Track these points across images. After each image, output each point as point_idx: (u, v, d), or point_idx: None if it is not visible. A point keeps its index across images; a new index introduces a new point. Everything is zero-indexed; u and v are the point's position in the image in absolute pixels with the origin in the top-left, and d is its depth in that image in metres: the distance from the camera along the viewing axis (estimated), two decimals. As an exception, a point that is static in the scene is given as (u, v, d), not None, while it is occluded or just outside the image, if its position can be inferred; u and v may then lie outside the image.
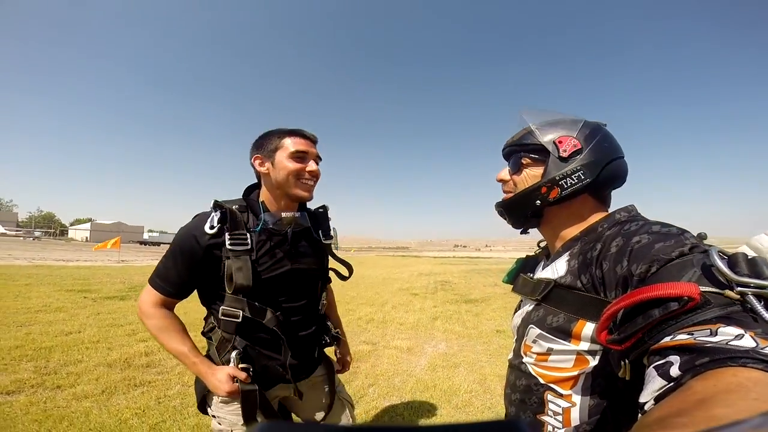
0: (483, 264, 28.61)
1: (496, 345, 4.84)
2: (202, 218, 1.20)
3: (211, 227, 1.16)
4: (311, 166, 1.25)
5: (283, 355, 1.26)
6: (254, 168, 1.30)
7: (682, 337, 0.48)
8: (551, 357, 0.78)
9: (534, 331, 0.81)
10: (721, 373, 0.41)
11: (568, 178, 0.81)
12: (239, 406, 1.21)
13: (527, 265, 1.01)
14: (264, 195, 1.30)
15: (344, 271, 1.54)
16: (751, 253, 0.55)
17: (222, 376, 1.16)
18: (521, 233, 1.00)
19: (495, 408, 3.01)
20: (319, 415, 1.41)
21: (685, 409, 0.37)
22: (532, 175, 0.87)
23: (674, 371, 0.46)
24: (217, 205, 1.20)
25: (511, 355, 0.94)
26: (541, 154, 0.86)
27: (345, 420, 1.47)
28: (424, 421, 2.76)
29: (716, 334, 0.46)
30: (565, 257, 0.81)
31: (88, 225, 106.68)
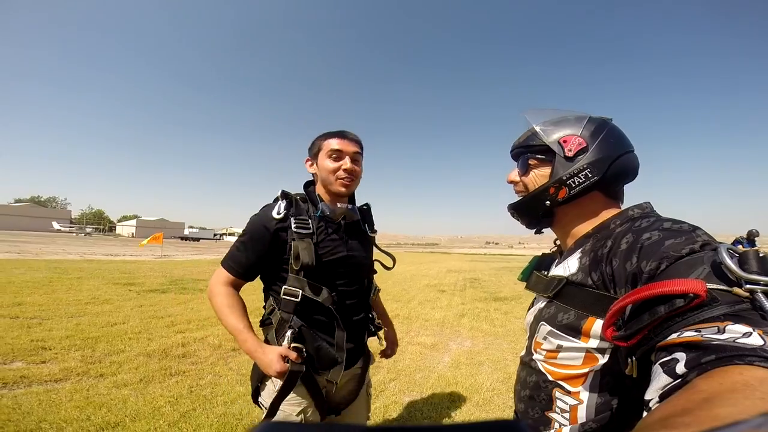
0: (515, 262, 27.94)
1: (523, 344, 4.72)
2: (270, 207, 1.34)
3: (278, 213, 1.29)
4: (346, 164, 1.35)
5: (337, 337, 1.34)
6: (306, 168, 1.46)
7: (688, 334, 0.48)
8: (561, 354, 0.78)
9: (545, 327, 0.81)
10: (727, 371, 0.41)
11: (575, 177, 0.81)
12: (295, 396, 1.29)
13: (543, 262, 1.00)
14: (318, 190, 1.43)
15: (388, 262, 1.64)
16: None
17: (273, 356, 1.22)
18: (535, 233, 1.00)
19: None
20: (346, 404, 1.46)
21: (689, 408, 0.37)
22: (540, 175, 0.88)
23: (680, 368, 0.45)
24: (284, 194, 1.35)
25: (523, 352, 0.94)
26: (547, 154, 0.86)
27: (364, 411, 1.55)
28: (443, 418, 2.77)
29: (724, 332, 0.45)
30: (577, 254, 0.81)
31: (133, 221, 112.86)
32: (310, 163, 1.44)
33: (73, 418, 2.45)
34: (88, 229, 78.06)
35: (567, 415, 0.76)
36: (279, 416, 1.30)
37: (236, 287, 1.37)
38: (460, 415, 2.82)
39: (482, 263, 23.04)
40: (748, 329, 0.44)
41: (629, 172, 0.83)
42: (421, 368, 3.79)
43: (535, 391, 0.84)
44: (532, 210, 0.90)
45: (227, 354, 3.96)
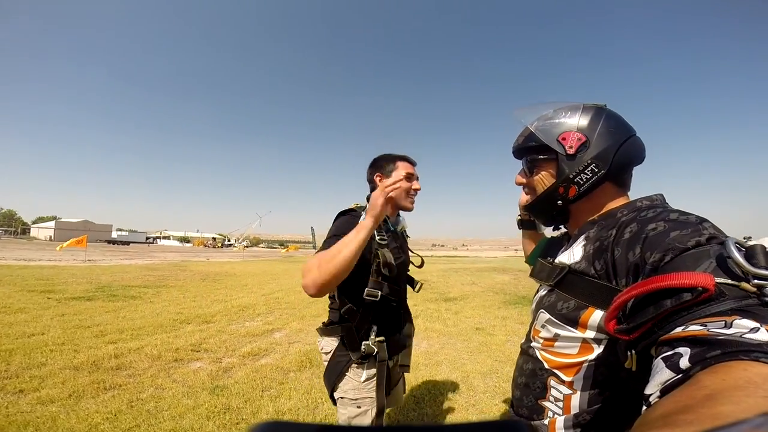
0: (459, 263, 28.92)
1: (476, 342, 4.87)
2: (355, 215, 1.48)
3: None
4: (416, 184, 1.60)
5: (406, 326, 1.65)
6: (374, 183, 1.61)
7: (694, 328, 0.46)
8: (557, 343, 0.77)
9: (544, 315, 0.81)
10: (732, 366, 0.40)
11: (582, 174, 0.80)
12: (375, 383, 1.46)
13: (551, 248, 0.99)
14: (394, 203, 1.58)
15: (418, 261, 1.83)
16: None
17: (378, 193, 1.27)
18: (553, 230, 0.99)
19: (478, 405, 3.01)
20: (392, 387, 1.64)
21: (691, 405, 0.36)
22: (546, 176, 0.87)
23: (683, 363, 0.44)
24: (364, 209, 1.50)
25: (523, 340, 0.94)
26: (549, 152, 0.85)
27: (401, 390, 1.79)
28: (408, 420, 2.74)
29: (731, 326, 0.44)
30: (581, 242, 0.79)
31: (52, 223, 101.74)
32: (380, 177, 1.60)
33: (-9, 441, 2.10)
34: (-4, 231, 69.07)
35: (560, 404, 0.76)
36: (366, 404, 1.44)
37: None
38: (425, 417, 2.80)
39: (429, 265, 23.39)
40: (756, 324, 0.43)
41: (634, 157, 0.82)
42: (381, 370, 3.73)
43: (530, 378, 0.84)
44: (546, 210, 0.90)
45: (168, 365, 3.63)
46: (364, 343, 1.43)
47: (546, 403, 0.79)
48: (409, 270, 1.75)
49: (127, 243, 75.56)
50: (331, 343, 1.54)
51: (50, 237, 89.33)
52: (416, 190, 1.60)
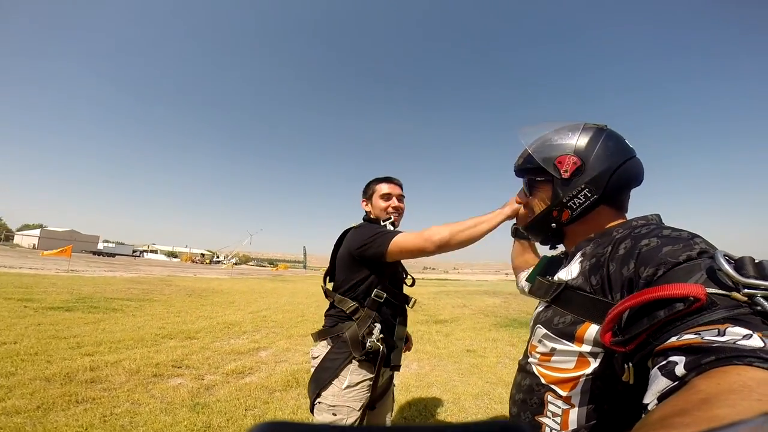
0: (450, 286, 28.81)
1: (467, 364, 4.77)
2: (378, 224, 1.68)
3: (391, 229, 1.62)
4: (394, 202, 1.72)
5: (398, 330, 1.67)
6: (362, 208, 1.81)
7: (688, 337, 0.47)
8: (554, 357, 0.77)
9: (540, 330, 0.81)
10: (726, 371, 0.41)
11: (575, 199, 0.82)
12: (359, 390, 1.48)
13: (550, 267, 0.99)
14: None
15: (408, 280, 1.90)
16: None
17: (510, 201, 1.32)
18: (550, 248, 1.01)
19: (470, 429, 2.90)
20: (378, 400, 1.65)
21: (687, 408, 0.36)
22: (543, 198, 0.89)
23: (679, 370, 0.45)
24: (388, 220, 1.70)
25: (521, 356, 0.93)
26: (546, 174, 0.87)
27: (389, 410, 1.79)
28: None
29: (724, 334, 0.45)
30: (578, 258, 0.81)
31: (37, 231, 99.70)
32: (365, 203, 1.79)
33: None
34: (-24, 238, 67.42)
35: (558, 419, 0.75)
36: (342, 412, 1.44)
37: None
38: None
39: (421, 287, 23.37)
40: (748, 332, 0.44)
41: (631, 180, 0.83)
42: (370, 391, 3.61)
43: (528, 394, 0.83)
44: (541, 231, 0.93)
45: (147, 380, 3.47)
46: (368, 340, 1.48)
47: (544, 419, 0.78)
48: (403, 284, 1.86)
49: (113, 255, 74.16)
50: (321, 349, 1.58)
51: (34, 245, 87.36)
52: (395, 208, 1.72)
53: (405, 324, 1.76)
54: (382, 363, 1.52)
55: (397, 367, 1.72)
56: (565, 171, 0.81)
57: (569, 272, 0.81)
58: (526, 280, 1.07)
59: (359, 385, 1.48)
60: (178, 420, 2.64)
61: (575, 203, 0.81)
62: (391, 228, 1.64)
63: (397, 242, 1.46)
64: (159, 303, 8.97)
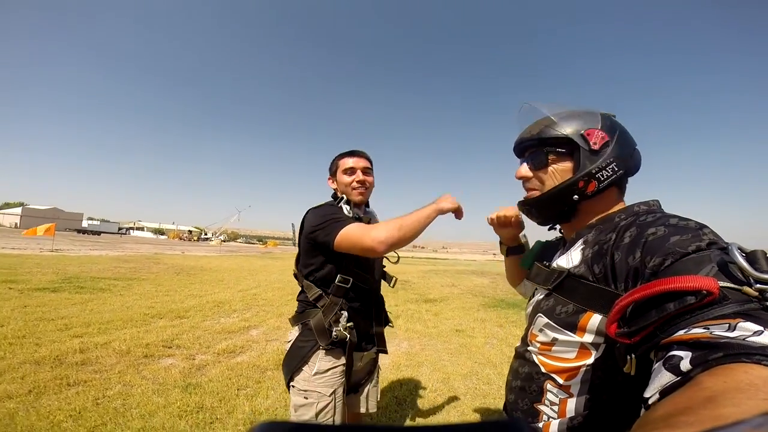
0: (440, 265, 29.16)
1: (456, 344, 4.87)
2: (333, 204, 1.58)
3: (348, 212, 1.54)
4: (358, 176, 1.60)
5: (375, 318, 1.63)
6: (329, 186, 1.70)
7: (697, 331, 0.47)
8: (555, 347, 0.77)
9: (542, 320, 0.81)
10: (733, 369, 0.40)
11: (603, 171, 0.79)
12: (329, 377, 1.47)
13: (546, 252, 0.99)
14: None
15: (393, 258, 1.80)
16: None
17: (447, 196, 1.45)
18: (548, 230, 0.97)
19: (459, 406, 2.98)
20: (362, 384, 1.68)
21: (691, 406, 0.36)
22: (560, 170, 0.85)
23: (684, 365, 0.45)
24: (342, 200, 1.59)
25: (518, 343, 0.93)
26: (567, 147, 0.83)
27: (374, 395, 1.75)
28: (390, 422, 2.68)
29: (735, 329, 0.44)
30: (579, 246, 0.80)
31: (18, 209, 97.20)
32: (331, 180, 1.69)
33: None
34: (-47, 217, 65.54)
35: (556, 408, 0.76)
36: (313, 397, 1.45)
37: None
38: (407, 419, 2.75)
39: (410, 266, 23.60)
40: (759, 328, 0.44)
41: (637, 167, 0.85)
42: (361, 370, 3.67)
43: (526, 382, 0.84)
44: (555, 205, 0.87)
45: (138, 361, 3.47)
46: (335, 329, 1.46)
47: (541, 407, 0.79)
48: (384, 266, 1.79)
49: (98, 233, 72.99)
50: (295, 332, 1.59)
51: (16, 224, 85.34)
52: (359, 182, 1.60)
53: (380, 308, 1.69)
54: (352, 350, 1.50)
55: (383, 350, 1.71)
56: (594, 143, 0.80)
57: (569, 260, 0.80)
58: (521, 265, 1.07)
59: (329, 372, 1.48)
60: (171, 401, 2.66)
61: (603, 175, 0.79)
62: (346, 210, 1.54)
63: (346, 235, 1.39)
64: (147, 282, 8.90)
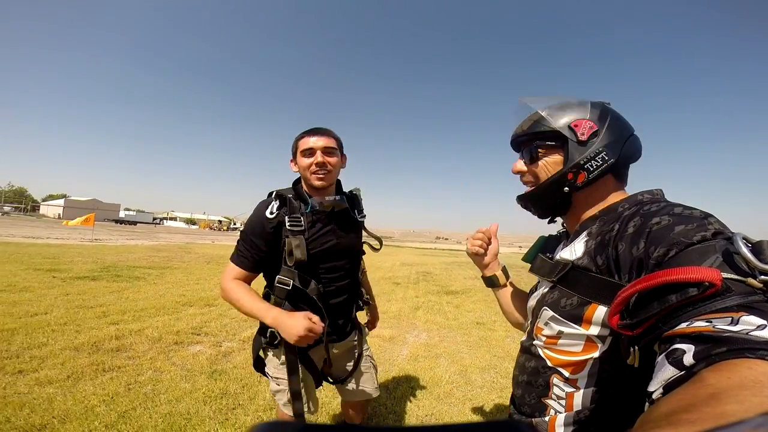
0: (463, 257, 28.89)
1: (475, 337, 4.86)
2: (263, 206, 1.45)
3: (271, 213, 1.41)
4: (317, 158, 1.44)
5: (336, 314, 1.54)
6: (291, 169, 1.57)
7: (699, 324, 0.46)
8: (561, 340, 0.77)
9: (547, 313, 0.80)
10: (737, 364, 0.39)
11: (592, 161, 0.80)
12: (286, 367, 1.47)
13: (548, 245, 0.99)
14: (305, 186, 1.53)
15: (376, 244, 1.80)
16: None
17: (299, 319, 1.30)
18: (549, 222, 0.98)
19: (475, 399, 3.00)
20: (349, 374, 1.66)
21: (695, 403, 0.35)
22: (551, 162, 0.86)
23: (687, 360, 0.44)
24: (277, 195, 1.46)
25: (524, 337, 0.93)
26: (556, 140, 0.84)
27: (370, 381, 1.72)
28: (406, 412, 2.73)
29: (738, 323, 0.44)
30: (583, 237, 0.79)
31: (61, 201, 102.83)
32: (293, 163, 1.53)
33: (-12, 421, 2.12)
34: (7, 208, 70.07)
35: (563, 402, 0.76)
36: (283, 384, 1.49)
37: (247, 280, 1.48)
38: (422, 409, 2.79)
39: (433, 257, 23.59)
40: (763, 321, 0.43)
41: (635, 153, 0.84)
42: (381, 361, 3.72)
43: (533, 376, 0.83)
44: (549, 198, 0.88)
45: (169, 348, 3.65)
46: (269, 329, 1.42)
47: (549, 401, 0.79)
48: (359, 252, 1.67)
49: (134, 223, 76.43)
50: None
51: (59, 215, 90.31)
52: (318, 164, 1.44)
53: (345, 306, 1.59)
54: (294, 353, 1.45)
55: (334, 340, 1.57)
56: (582, 134, 0.80)
57: (573, 251, 0.79)
58: (523, 260, 1.06)
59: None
60: (197, 387, 2.80)
61: (592, 165, 0.79)
62: (270, 211, 1.42)
63: (227, 266, 1.48)
64: (179, 270, 9.28)
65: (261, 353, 1.56)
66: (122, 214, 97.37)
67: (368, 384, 1.72)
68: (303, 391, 1.51)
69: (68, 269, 7.93)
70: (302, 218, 1.44)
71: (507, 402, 2.96)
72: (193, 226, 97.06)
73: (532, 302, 0.92)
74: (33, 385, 2.61)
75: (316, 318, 1.32)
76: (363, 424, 1.94)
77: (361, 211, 1.68)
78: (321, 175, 1.45)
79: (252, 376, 3.07)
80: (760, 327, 0.42)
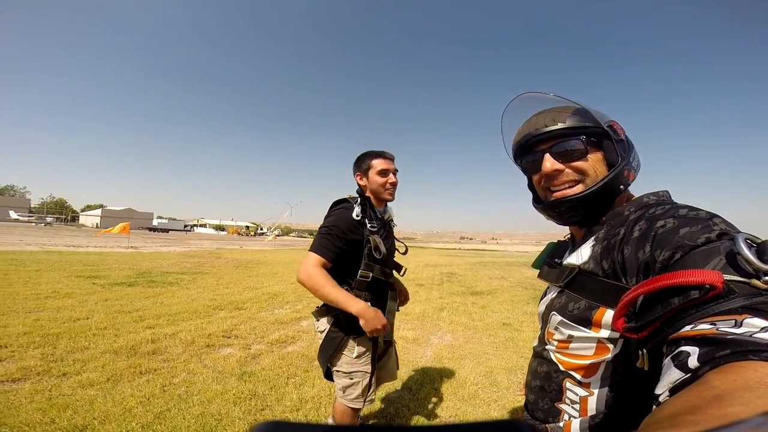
0: (488, 257, 28.49)
1: (502, 338, 4.80)
2: (347, 207, 1.71)
3: (357, 215, 1.67)
4: (391, 178, 1.80)
5: (389, 305, 1.81)
6: (356, 181, 1.85)
7: (703, 327, 0.46)
8: (572, 344, 0.76)
9: (556, 318, 0.80)
10: (742, 366, 0.39)
11: (634, 161, 0.81)
12: (367, 357, 1.73)
13: (557, 251, 0.98)
14: (374, 197, 1.83)
15: (401, 248, 2.09)
16: None
17: (380, 313, 1.60)
18: (580, 227, 0.88)
19: (501, 401, 2.97)
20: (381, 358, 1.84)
21: (699, 405, 0.35)
22: (596, 160, 0.80)
23: (692, 362, 0.44)
24: (360, 202, 1.73)
25: (536, 342, 0.93)
26: (599, 137, 0.80)
27: (394, 366, 2.00)
28: (428, 414, 2.73)
29: (741, 325, 0.44)
30: (590, 242, 0.78)
31: (98, 211, 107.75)
32: (360, 176, 1.83)
33: (35, 422, 2.26)
34: (49, 219, 74.05)
35: (577, 406, 0.75)
36: (358, 376, 1.72)
37: (325, 268, 1.65)
38: (446, 411, 2.79)
39: (457, 258, 23.38)
40: (766, 323, 0.42)
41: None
42: (404, 363, 3.73)
43: (546, 381, 0.83)
44: (603, 199, 0.79)
45: (201, 350, 3.78)
46: (353, 323, 1.62)
47: (562, 406, 0.78)
48: (394, 255, 2.00)
49: (167, 230, 79.22)
50: (325, 323, 1.77)
51: (97, 224, 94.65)
52: (392, 183, 1.79)
53: (395, 299, 1.89)
54: (375, 339, 1.69)
55: (389, 343, 1.90)
56: (620, 133, 0.80)
57: (579, 256, 0.79)
58: (533, 266, 1.05)
59: (366, 354, 1.73)
60: (228, 389, 2.90)
61: (634, 165, 0.80)
62: (356, 213, 1.68)
63: (307, 256, 1.65)
64: (210, 275, 9.60)
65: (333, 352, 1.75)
66: (155, 222, 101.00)
67: (393, 368, 1.98)
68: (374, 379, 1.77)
69: (107, 276, 8.35)
70: (375, 222, 1.73)
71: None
72: (222, 232, 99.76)
73: (541, 308, 0.92)
74: (76, 387, 2.76)
75: (383, 320, 1.60)
76: (369, 423, 2.04)
77: (392, 220, 2.00)
78: (392, 192, 1.82)
79: (280, 378, 3.15)
80: (764, 329, 0.42)
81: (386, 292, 1.84)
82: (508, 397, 3.05)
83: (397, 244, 2.03)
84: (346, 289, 1.65)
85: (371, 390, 1.76)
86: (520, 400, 2.97)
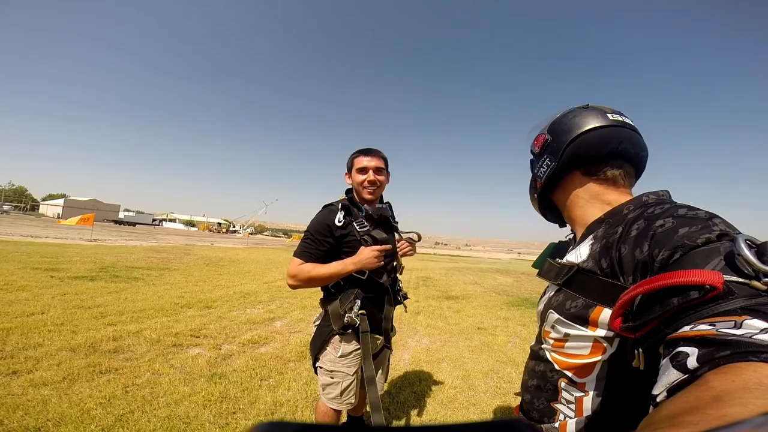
0: (462, 263, 28.89)
1: (477, 342, 4.82)
2: (332, 213, 1.68)
3: (339, 221, 1.65)
4: (369, 176, 1.72)
5: (386, 310, 1.79)
6: (346, 180, 1.85)
7: (702, 328, 0.46)
8: (568, 343, 0.76)
9: (553, 316, 0.80)
10: (741, 368, 0.39)
11: (540, 168, 0.90)
12: (352, 358, 1.67)
13: (558, 251, 0.98)
14: (357, 196, 1.81)
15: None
16: None
17: (368, 250, 1.61)
18: (560, 227, 1.03)
19: (479, 404, 2.95)
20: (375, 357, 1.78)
21: (698, 406, 0.35)
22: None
23: (691, 363, 0.44)
24: (343, 206, 1.70)
25: (533, 342, 0.93)
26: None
27: (386, 363, 1.97)
28: (409, 418, 2.67)
29: (741, 327, 0.43)
30: (588, 241, 0.78)
31: (61, 201, 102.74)
32: (347, 176, 1.82)
33: (-23, 423, 2.06)
34: (6, 207, 69.87)
35: (573, 406, 0.74)
36: (338, 377, 1.66)
37: None
38: (426, 415, 2.74)
39: (432, 263, 23.54)
40: (766, 325, 0.42)
41: (597, 145, 0.81)
42: (381, 366, 3.68)
43: (541, 380, 0.83)
44: (538, 206, 1.01)
45: (167, 350, 3.59)
46: (347, 315, 1.62)
47: (558, 406, 0.78)
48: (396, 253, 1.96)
49: (134, 224, 76.39)
50: (318, 315, 1.79)
51: (58, 214, 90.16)
52: (369, 182, 1.73)
53: (392, 303, 1.84)
54: (366, 335, 1.64)
55: (388, 347, 1.87)
56: (536, 147, 0.92)
57: (578, 255, 0.79)
58: (533, 266, 1.06)
59: (352, 354, 1.68)
60: (197, 390, 2.74)
61: (541, 172, 0.90)
62: (339, 217, 1.67)
63: (291, 261, 1.66)
64: (178, 272, 9.23)
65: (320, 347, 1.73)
66: (122, 214, 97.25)
67: (386, 366, 1.97)
68: (358, 382, 1.73)
69: (66, 269, 7.88)
70: (364, 221, 1.71)
71: (511, 406, 2.92)
72: (193, 228, 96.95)
73: (540, 306, 0.92)
74: (27, 387, 2.55)
75: (386, 246, 1.65)
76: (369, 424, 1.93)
77: (394, 218, 1.98)
78: (371, 191, 1.75)
79: (252, 380, 3.02)
80: (764, 330, 0.42)
81: (384, 294, 1.78)
82: (486, 400, 3.04)
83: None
84: (340, 284, 1.67)
85: (352, 394, 1.70)
86: (497, 404, 2.97)
